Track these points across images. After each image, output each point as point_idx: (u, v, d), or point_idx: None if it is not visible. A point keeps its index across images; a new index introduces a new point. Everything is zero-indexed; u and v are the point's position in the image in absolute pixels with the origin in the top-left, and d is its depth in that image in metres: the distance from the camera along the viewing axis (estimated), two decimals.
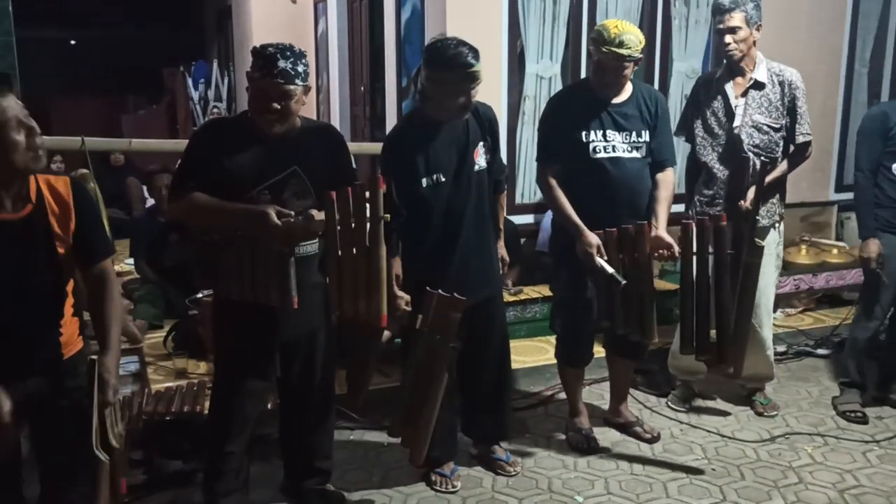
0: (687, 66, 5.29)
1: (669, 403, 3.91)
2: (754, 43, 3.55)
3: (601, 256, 3.04)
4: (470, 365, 3.10)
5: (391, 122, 5.75)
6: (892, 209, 3.66)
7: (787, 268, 4.96)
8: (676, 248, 3.01)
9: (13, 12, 4.00)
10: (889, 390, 3.93)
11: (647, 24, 5.05)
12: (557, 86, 4.96)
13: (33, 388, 2.15)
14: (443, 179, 2.89)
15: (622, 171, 3.19)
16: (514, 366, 3.56)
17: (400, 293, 2.76)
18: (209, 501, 2.80)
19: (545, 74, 4.95)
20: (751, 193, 3.43)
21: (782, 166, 3.64)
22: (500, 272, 3.24)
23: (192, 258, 4.17)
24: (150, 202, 5.84)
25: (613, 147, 3.19)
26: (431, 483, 3.14)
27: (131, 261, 5.17)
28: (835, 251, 5.26)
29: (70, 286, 2.23)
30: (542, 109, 4.91)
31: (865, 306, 3.80)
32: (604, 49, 3.06)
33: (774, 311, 4.94)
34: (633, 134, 3.22)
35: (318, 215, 2.52)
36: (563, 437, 3.57)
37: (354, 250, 2.48)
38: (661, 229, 3.10)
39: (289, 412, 2.92)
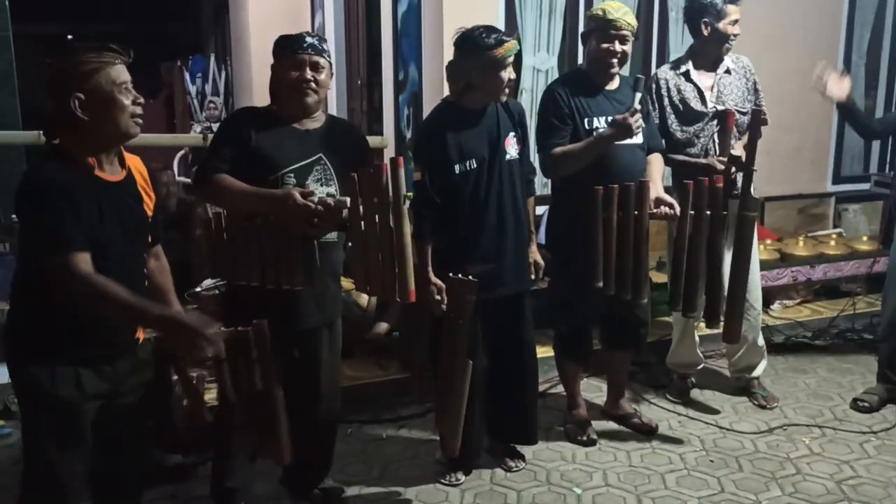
0: None
1: (668, 395, 3.92)
2: None
3: None
4: (496, 366, 3.09)
5: (388, 115, 5.74)
6: None
7: (785, 259, 4.97)
8: (677, 207, 3.03)
9: (9, 7, 4.01)
10: None
11: (643, 16, 5.05)
12: (554, 78, 4.95)
13: None
14: (475, 165, 2.90)
15: (624, 158, 3.18)
16: None
17: (434, 279, 2.81)
18: (218, 494, 2.83)
19: (542, 67, 4.95)
20: (741, 145, 3.43)
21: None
22: (532, 275, 3.18)
23: (197, 252, 4.19)
24: None
25: None
26: (436, 475, 3.15)
27: None
28: (832, 242, 5.26)
29: None
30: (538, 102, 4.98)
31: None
32: (611, 20, 3.09)
33: (773, 304, 4.97)
34: None
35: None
36: (561, 429, 3.58)
37: (378, 228, 2.42)
38: (660, 191, 3.15)
39: (296, 400, 2.87)
